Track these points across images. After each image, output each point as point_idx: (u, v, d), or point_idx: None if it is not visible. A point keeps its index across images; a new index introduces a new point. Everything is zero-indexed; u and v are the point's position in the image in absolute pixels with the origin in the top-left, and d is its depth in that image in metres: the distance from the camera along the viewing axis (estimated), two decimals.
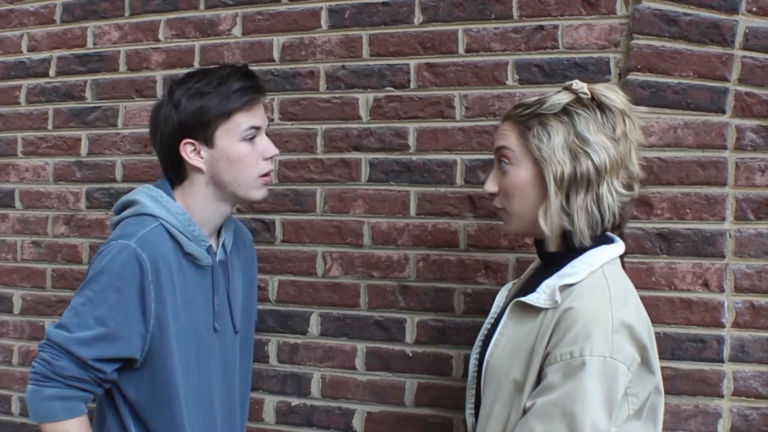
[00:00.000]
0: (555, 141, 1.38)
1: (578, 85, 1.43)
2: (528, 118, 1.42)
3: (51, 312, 2.43)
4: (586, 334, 1.29)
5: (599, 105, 1.41)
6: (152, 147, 1.72)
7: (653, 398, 1.41)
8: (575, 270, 1.39)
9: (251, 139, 1.63)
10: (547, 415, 1.29)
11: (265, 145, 1.66)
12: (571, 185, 1.38)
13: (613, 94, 1.42)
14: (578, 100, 1.41)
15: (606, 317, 1.31)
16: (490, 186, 1.50)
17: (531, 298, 1.40)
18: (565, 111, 1.40)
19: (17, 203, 2.51)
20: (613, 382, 1.29)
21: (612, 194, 1.39)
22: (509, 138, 1.45)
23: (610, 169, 1.38)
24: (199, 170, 1.63)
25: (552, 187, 1.38)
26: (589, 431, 1.26)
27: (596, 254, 1.41)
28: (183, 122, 1.60)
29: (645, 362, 1.36)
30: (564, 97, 1.42)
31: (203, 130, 1.60)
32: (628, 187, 1.43)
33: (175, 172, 1.66)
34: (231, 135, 1.61)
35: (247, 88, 1.62)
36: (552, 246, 1.43)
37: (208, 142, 1.61)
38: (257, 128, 1.64)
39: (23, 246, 2.50)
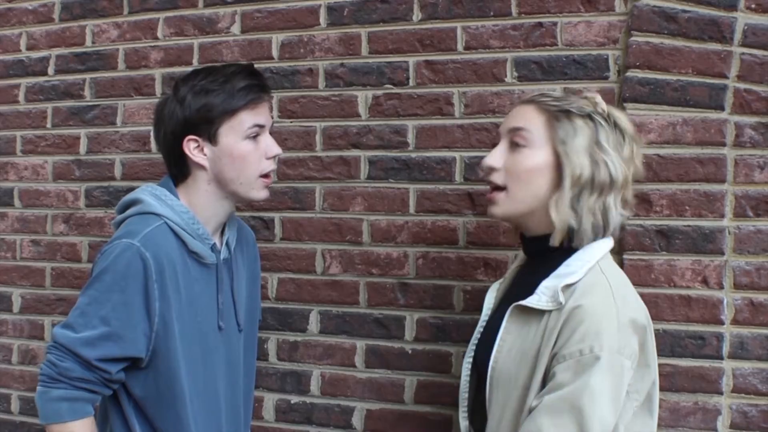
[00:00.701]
0: (579, 141, 1.40)
1: (597, 99, 1.45)
2: (557, 110, 1.43)
3: (50, 310, 2.43)
4: (595, 331, 1.30)
5: (615, 124, 1.43)
6: (155, 144, 1.72)
7: (649, 389, 1.42)
8: (572, 269, 1.39)
9: (255, 137, 1.63)
10: (554, 410, 1.29)
11: (268, 144, 1.66)
12: (585, 186, 1.39)
13: (625, 118, 1.45)
14: (599, 113, 1.43)
15: (612, 313, 1.32)
16: (495, 160, 1.47)
17: (532, 302, 1.39)
18: (591, 117, 1.42)
19: (16, 202, 2.51)
20: (620, 377, 1.30)
21: (616, 208, 1.42)
22: (532, 121, 1.44)
23: (619, 185, 1.41)
24: (201, 167, 1.63)
25: (567, 181, 1.39)
26: (597, 426, 1.27)
27: (591, 250, 1.42)
28: (187, 119, 1.60)
29: (643, 351, 1.37)
30: (587, 106, 1.43)
31: (207, 127, 1.60)
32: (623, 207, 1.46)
33: (178, 170, 1.66)
34: (235, 133, 1.61)
35: (252, 87, 1.62)
36: (557, 240, 1.42)
37: (212, 139, 1.61)
38: (261, 127, 1.64)
39: (22, 245, 2.50)
